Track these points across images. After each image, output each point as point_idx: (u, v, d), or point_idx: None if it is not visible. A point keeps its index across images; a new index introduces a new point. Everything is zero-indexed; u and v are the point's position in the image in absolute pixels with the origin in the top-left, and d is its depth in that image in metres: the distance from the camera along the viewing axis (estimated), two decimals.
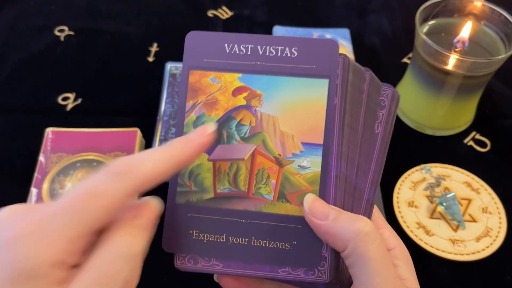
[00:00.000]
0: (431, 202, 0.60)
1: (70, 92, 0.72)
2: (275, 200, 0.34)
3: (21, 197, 0.58)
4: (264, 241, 0.33)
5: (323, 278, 0.32)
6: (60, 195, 0.57)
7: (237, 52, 0.35)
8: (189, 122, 0.35)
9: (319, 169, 0.33)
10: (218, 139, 0.35)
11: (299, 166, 0.34)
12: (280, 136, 0.34)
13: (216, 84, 0.35)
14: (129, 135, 0.62)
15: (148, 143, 0.65)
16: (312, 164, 0.33)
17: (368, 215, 0.35)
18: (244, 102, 0.35)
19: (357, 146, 0.34)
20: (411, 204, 0.60)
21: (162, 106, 0.64)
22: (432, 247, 0.56)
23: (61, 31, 0.81)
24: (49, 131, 0.62)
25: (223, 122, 0.35)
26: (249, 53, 0.35)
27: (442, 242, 0.57)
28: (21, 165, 0.63)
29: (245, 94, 0.35)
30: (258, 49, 0.35)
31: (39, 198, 0.56)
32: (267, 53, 0.35)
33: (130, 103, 0.71)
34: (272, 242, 0.33)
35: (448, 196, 0.59)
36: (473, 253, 0.56)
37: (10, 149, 0.65)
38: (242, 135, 0.34)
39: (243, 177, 0.34)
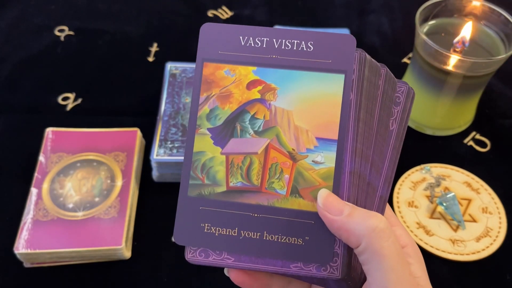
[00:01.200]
0: (431, 202, 0.60)
1: (70, 92, 0.72)
2: (288, 195, 0.33)
3: (21, 197, 0.58)
4: (276, 236, 0.33)
5: (335, 275, 0.32)
6: (60, 195, 0.57)
7: (252, 45, 0.34)
8: (202, 114, 0.35)
9: (333, 165, 0.33)
10: (232, 132, 0.34)
11: (313, 161, 0.33)
12: (294, 130, 0.34)
13: (231, 77, 0.35)
14: (129, 135, 0.62)
15: (148, 143, 0.65)
16: (326, 159, 0.33)
17: (381, 212, 0.35)
18: (258, 96, 0.34)
19: (372, 143, 0.34)
20: (411, 204, 0.60)
21: (162, 106, 0.64)
22: (432, 247, 0.56)
23: (61, 31, 0.81)
24: (49, 131, 0.62)
25: (237, 116, 0.34)
26: (264, 46, 0.34)
27: (442, 242, 0.57)
28: (21, 165, 0.63)
29: (259, 87, 0.34)
30: (273, 42, 0.34)
31: (39, 198, 0.56)
32: (283, 47, 0.34)
33: (130, 103, 0.71)
34: (285, 237, 0.33)
35: (448, 196, 0.59)
36: (473, 253, 0.56)
37: (10, 149, 0.65)
38: (256, 129, 0.34)
39: (256, 171, 0.34)
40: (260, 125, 0.34)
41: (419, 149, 0.66)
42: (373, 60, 0.35)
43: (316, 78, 0.34)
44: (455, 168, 0.63)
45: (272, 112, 0.34)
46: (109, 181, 0.58)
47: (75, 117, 0.69)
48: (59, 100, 0.71)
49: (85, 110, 0.70)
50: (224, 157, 0.34)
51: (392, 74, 0.36)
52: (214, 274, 0.54)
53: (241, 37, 0.35)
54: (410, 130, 0.69)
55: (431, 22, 0.65)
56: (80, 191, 0.57)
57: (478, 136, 0.68)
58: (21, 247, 0.52)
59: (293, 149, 0.34)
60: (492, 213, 0.59)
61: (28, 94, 0.72)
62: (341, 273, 0.32)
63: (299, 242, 0.33)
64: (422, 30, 0.63)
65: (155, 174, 0.61)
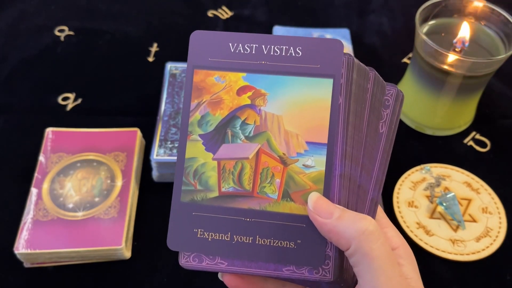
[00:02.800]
0: (431, 202, 0.60)
1: (70, 92, 0.72)
2: (279, 199, 0.34)
3: (21, 197, 0.58)
4: (268, 240, 0.33)
5: (327, 277, 0.33)
6: (60, 195, 0.57)
7: (242, 51, 0.35)
8: (193, 121, 0.35)
9: (324, 168, 0.33)
10: (223, 138, 0.35)
11: (303, 165, 0.34)
12: (284, 135, 0.34)
13: (221, 83, 0.35)
14: (129, 135, 0.62)
15: (148, 143, 0.65)
16: (317, 163, 0.34)
17: (373, 214, 0.35)
18: (248, 102, 0.35)
19: (361, 146, 0.35)
20: (411, 204, 0.60)
21: (162, 106, 0.64)
22: (432, 247, 0.56)
23: (61, 31, 0.81)
24: (49, 131, 0.62)
25: (228, 121, 0.35)
26: (253, 52, 0.35)
27: (442, 242, 0.57)
28: (21, 165, 0.63)
29: (249, 93, 0.35)
30: (262, 48, 0.35)
31: (39, 198, 0.56)
32: (272, 53, 0.35)
33: (130, 103, 0.71)
34: (277, 241, 0.33)
35: (448, 196, 0.59)
36: (473, 253, 0.56)
37: (10, 149, 0.65)
38: (247, 134, 0.35)
39: (247, 176, 0.34)
40: (250, 131, 0.35)
41: (419, 149, 0.66)
42: (361, 64, 0.35)
43: (305, 83, 0.34)
44: (455, 168, 0.63)
45: (263, 117, 0.35)
46: (109, 181, 0.58)
47: (75, 117, 0.69)
48: (59, 100, 0.71)
49: (85, 110, 0.70)
50: (216, 162, 0.35)
51: (380, 77, 0.36)
52: (214, 275, 0.54)
53: (230, 44, 0.35)
54: (410, 130, 0.69)
55: (431, 22, 0.65)
56: (80, 191, 0.57)
57: (478, 136, 0.68)
58: (21, 247, 0.53)
59: (283, 153, 0.34)
60: (492, 213, 0.59)
61: (28, 94, 0.72)
62: (333, 276, 0.33)
63: (291, 246, 0.33)
64: (422, 30, 0.63)
65: (155, 174, 0.61)
